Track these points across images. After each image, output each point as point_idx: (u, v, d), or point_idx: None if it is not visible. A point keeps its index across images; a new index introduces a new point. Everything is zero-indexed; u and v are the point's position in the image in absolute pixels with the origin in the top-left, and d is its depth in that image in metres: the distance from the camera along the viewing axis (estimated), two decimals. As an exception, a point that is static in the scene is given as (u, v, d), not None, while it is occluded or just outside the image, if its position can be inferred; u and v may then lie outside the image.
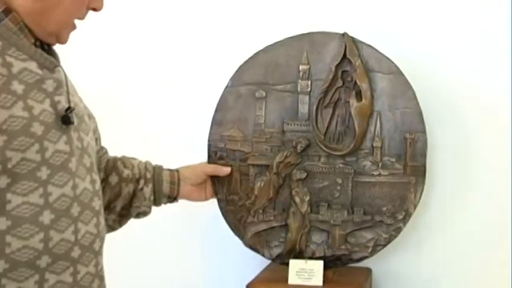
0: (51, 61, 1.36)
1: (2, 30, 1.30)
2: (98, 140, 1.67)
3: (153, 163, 1.79)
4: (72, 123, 1.36)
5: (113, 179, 1.68)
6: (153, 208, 1.76)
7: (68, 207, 1.33)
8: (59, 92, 1.36)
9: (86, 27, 1.47)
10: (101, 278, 1.45)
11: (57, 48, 1.45)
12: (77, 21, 1.42)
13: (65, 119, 1.34)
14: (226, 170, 1.89)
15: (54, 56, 1.41)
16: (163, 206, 1.80)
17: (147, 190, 1.72)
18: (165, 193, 1.77)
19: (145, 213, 1.76)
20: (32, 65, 1.32)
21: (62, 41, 1.41)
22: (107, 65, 2.21)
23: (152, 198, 1.74)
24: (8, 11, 1.31)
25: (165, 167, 1.80)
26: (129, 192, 1.70)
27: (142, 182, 1.71)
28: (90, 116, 1.56)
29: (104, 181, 1.68)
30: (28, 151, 1.27)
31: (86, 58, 2.08)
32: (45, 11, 1.34)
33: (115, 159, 1.73)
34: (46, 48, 1.41)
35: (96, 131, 1.63)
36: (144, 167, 1.75)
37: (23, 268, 1.27)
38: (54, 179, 1.31)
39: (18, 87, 1.28)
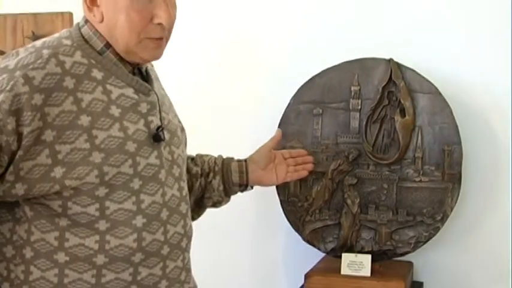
0: (145, 87, 1.38)
1: (104, 61, 1.34)
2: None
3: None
4: (163, 140, 1.39)
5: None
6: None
7: (158, 212, 1.36)
8: (153, 112, 1.38)
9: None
10: (188, 270, 1.47)
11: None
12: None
13: (156, 137, 1.37)
14: (278, 135, 1.82)
15: (150, 81, 1.43)
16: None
17: (215, 182, 1.68)
18: (235, 182, 1.71)
19: (219, 202, 1.72)
20: (129, 91, 1.35)
21: (145, 58, 1.38)
22: (184, 84, 2.20)
23: (222, 188, 1.69)
24: (109, 44, 1.35)
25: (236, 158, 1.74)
26: (200, 186, 1.67)
27: (211, 175, 1.68)
28: (183, 129, 1.56)
29: None
30: (122, 166, 1.30)
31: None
32: (110, 30, 1.34)
33: (187, 158, 1.66)
34: (144, 74, 1.43)
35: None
36: (213, 161, 1.70)
37: (120, 262, 1.31)
38: (146, 189, 1.34)
39: (115, 111, 1.32)
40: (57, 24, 2.33)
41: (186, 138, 1.59)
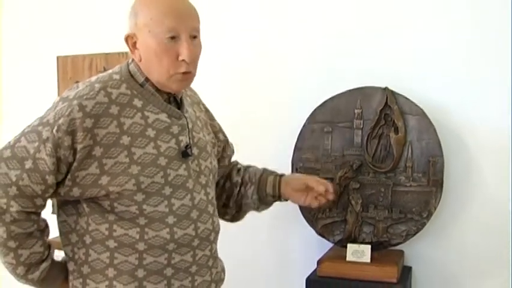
0: (177, 112, 1.48)
1: (144, 92, 1.45)
2: (227, 158, 1.70)
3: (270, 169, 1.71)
4: (190, 155, 1.48)
5: (227, 184, 1.73)
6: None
7: (188, 213, 1.46)
8: (183, 133, 1.48)
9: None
10: (215, 258, 1.56)
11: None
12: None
13: (184, 154, 1.47)
14: (323, 186, 1.68)
15: (182, 107, 1.51)
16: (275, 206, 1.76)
17: (250, 191, 1.69)
18: (268, 192, 1.68)
19: (257, 208, 1.71)
20: (163, 116, 1.45)
21: (175, 89, 1.46)
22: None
23: (256, 197, 1.69)
24: (148, 78, 1.46)
25: (278, 172, 1.71)
26: (239, 193, 1.70)
27: (249, 185, 1.70)
28: (215, 144, 1.63)
29: (222, 186, 1.73)
30: (155, 176, 1.41)
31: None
32: (147, 68, 1.44)
33: (232, 169, 1.73)
34: (179, 101, 1.52)
35: (224, 151, 1.68)
36: (254, 173, 1.70)
37: (157, 249, 1.43)
38: (176, 194, 1.44)
39: (151, 132, 1.42)
40: (123, 61, 2.22)
41: (221, 151, 1.68)
